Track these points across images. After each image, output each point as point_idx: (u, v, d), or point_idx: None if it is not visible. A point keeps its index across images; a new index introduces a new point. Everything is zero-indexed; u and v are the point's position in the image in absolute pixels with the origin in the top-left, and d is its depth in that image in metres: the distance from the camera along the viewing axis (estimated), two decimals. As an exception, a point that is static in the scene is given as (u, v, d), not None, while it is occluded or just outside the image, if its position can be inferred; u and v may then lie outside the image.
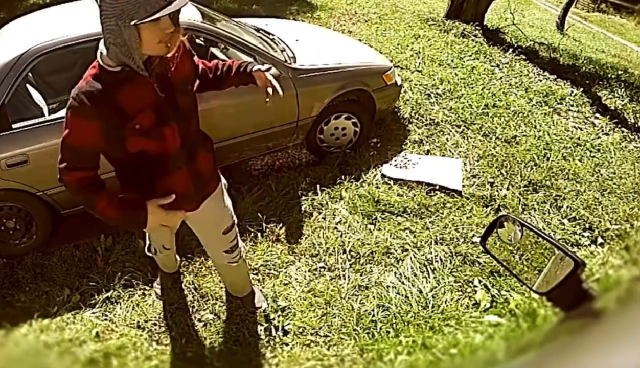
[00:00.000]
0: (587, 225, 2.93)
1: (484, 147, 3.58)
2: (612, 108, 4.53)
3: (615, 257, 2.59)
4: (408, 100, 4.08)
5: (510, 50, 5.34)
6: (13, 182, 2.49)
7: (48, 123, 2.56)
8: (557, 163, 3.48)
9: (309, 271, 2.53)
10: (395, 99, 3.69)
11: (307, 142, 3.42)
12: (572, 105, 4.42)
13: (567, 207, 3.04)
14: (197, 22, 2.78)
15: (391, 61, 4.11)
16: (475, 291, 2.39)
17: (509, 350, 1.91)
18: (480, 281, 2.44)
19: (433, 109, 4.02)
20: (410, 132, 3.76)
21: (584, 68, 5.54)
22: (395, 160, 3.40)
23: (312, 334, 2.22)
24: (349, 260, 2.57)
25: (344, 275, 2.49)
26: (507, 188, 3.17)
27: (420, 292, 2.38)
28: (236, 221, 1.94)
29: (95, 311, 2.36)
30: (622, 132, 4.15)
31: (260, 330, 2.25)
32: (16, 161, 2.45)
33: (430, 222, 2.82)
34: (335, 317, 2.29)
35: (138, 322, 2.31)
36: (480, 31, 5.81)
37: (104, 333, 2.26)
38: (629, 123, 4.31)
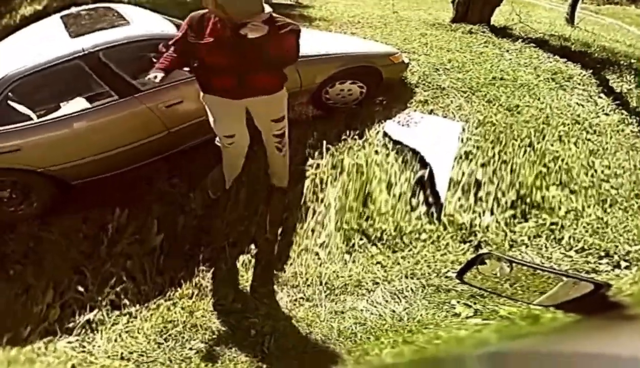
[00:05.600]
0: (603, 253, 2.60)
1: (486, 112, 3.55)
2: (618, 91, 4.50)
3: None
4: (416, 71, 4.02)
5: (520, 40, 5.18)
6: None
7: (38, 124, 2.55)
8: (552, 145, 3.39)
9: (289, 301, 2.55)
10: (402, 71, 3.68)
11: (313, 100, 3.38)
12: (578, 84, 4.37)
13: (570, 237, 2.70)
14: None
15: (398, 49, 4.02)
16: (454, 307, 2.34)
17: (502, 337, 1.87)
18: (459, 302, 2.36)
19: (440, 78, 3.98)
20: (416, 94, 3.74)
21: (596, 54, 5.41)
22: (399, 118, 3.43)
23: (300, 351, 2.27)
24: (325, 292, 2.58)
25: (320, 304, 2.51)
26: (492, 212, 2.87)
27: (394, 311, 2.40)
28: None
29: (72, 340, 2.16)
30: (622, 114, 4.10)
31: (252, 353, 2.23)
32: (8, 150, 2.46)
33: (401, 258, 2.71)
34: (317, 335, 2.34)
35: (122, 353, 2.13)
36: (488, 29, 5.65)
37: (81, 366, 2.04)
38: (631, 106, 4.30)
